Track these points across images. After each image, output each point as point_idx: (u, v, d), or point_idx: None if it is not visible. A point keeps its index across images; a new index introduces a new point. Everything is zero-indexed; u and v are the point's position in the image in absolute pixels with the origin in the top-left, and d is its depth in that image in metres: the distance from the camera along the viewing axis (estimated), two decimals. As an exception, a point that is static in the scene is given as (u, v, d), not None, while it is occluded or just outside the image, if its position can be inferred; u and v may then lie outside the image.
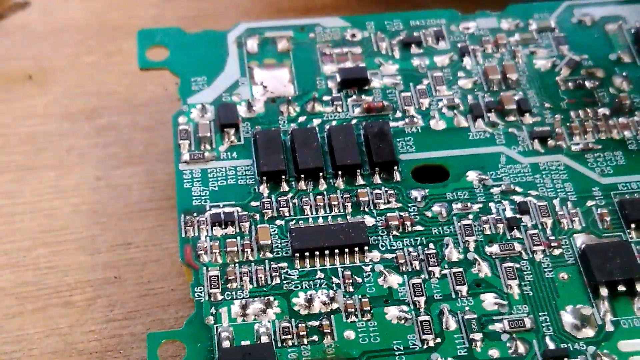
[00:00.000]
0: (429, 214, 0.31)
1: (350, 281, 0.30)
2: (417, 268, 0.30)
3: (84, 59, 0.41)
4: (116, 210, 0.36)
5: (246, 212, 0.31)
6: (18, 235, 0.35)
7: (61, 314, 0.33)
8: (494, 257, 0.30)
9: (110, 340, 0.32)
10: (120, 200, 0.36)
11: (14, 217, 0.36)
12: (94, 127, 0.38)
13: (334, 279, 0.30)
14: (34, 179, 0.37)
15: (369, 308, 0.29)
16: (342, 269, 0.30)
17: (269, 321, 0.29)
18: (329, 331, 0.29)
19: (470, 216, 0.31)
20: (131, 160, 0.37)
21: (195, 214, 0.31)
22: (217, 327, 0.29)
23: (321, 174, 0.32)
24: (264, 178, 0.32)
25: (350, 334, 0.29)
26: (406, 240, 0.31)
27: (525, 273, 0.30)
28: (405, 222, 0.31)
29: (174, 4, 0.43)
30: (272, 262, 0.30)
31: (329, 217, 0.31)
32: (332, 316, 0.29)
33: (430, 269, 0.30)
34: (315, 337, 0.28)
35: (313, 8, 0.43)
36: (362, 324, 0.29)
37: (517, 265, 0.30)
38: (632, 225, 0.31)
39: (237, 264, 0.30)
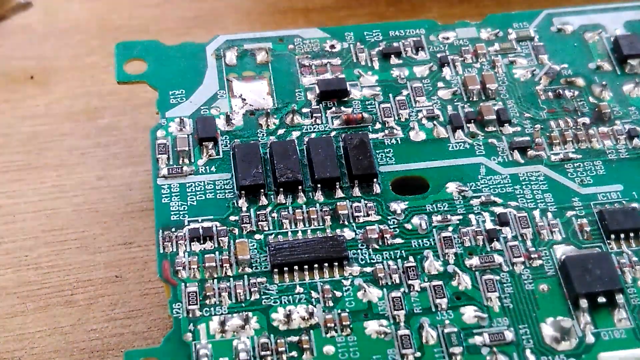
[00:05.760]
0: (408, 226, 0.31)
1: (330, 296, 0.30)
2: (397, 281, 0.30)
3: (86, 59, 0.41)
4: (117, 209, 0.36)
5: (225, 227, 0.31)
6: (20, 234, 0.35)
7: (63, 313, 0.33)
8: (473, 269, 0.30)
9: (111, 339, 0.32)
10: (121, 199, 0.36)
11: (16, 217, 0.36)
12: (95, 127, 0.39)
13: (313, 294, 0.30)
14: (36, 179, 0.37)
15: (348, 323, 0.29)
16: (322, 284, 0.30)
17: (247, 337, 0.29)
18: (308, 347, 0.28)
19: (450, 228, 0.31)
20: (132, 160, 0.37)
21: (173, 229, 0.31)
22: (195, 344, 0.28)
23: (300, 187, 0.32)
24: (243, 192, 0.32)
25: (329, 349, 0.28)
26: (386, 254, 0.30)
27: (505, 285, 0.30)
28: (385, 235, 0.31)
29: (175, 5, 0.43)
30: (251, 277, 0.30)
31: (308, 231, 0.31)
32: (311, 331, 0.29)
33: (410, 282, 0.30)
34: (294, 353, 0.28)
35: (313, 9, 0.43)
36: (342, 339, 0.29)
37: (497, 278, 0.30)
38: (612, 236, 0.31)
39: (215, 280, 0.30)
